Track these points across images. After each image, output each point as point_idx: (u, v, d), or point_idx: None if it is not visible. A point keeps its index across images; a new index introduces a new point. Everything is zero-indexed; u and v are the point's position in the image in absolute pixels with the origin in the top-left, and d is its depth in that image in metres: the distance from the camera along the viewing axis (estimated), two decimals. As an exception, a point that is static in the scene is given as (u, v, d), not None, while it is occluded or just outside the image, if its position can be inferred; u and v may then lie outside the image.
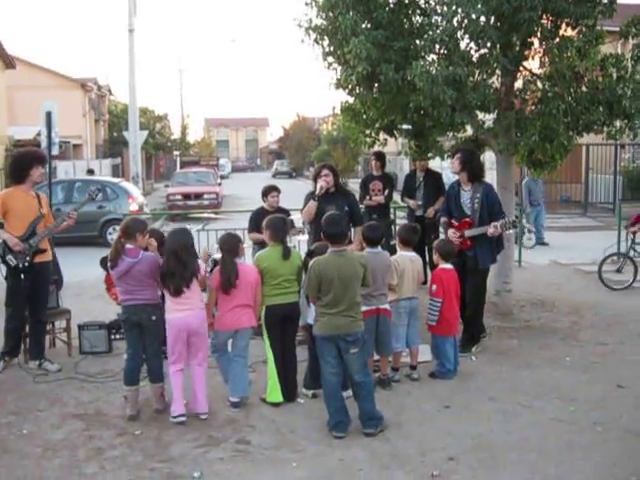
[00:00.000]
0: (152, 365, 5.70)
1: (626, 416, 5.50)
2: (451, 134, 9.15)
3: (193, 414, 5.55)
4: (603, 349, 7.26)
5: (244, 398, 5.81)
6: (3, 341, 6.63)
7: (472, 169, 7.05)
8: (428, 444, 5.05)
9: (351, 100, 8.87)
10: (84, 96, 32.03)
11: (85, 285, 10.70)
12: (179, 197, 21.76)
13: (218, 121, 74.02)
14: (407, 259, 6.34)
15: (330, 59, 8.21)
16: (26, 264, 6.53)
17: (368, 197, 9.77)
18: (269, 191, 8.54)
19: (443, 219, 7.24)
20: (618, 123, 7.87)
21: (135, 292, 5.50)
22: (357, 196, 9.04)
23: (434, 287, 6.34)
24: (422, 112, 8.47)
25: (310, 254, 5.82)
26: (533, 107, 7.84)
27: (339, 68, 8.22)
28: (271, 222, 5.96)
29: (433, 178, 9.90)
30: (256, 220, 8.39)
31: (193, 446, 5.10)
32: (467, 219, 7.01)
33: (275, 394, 5.80)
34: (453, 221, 7.15)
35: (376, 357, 6.23)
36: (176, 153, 41.92)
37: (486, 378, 6.41)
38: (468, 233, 6.97)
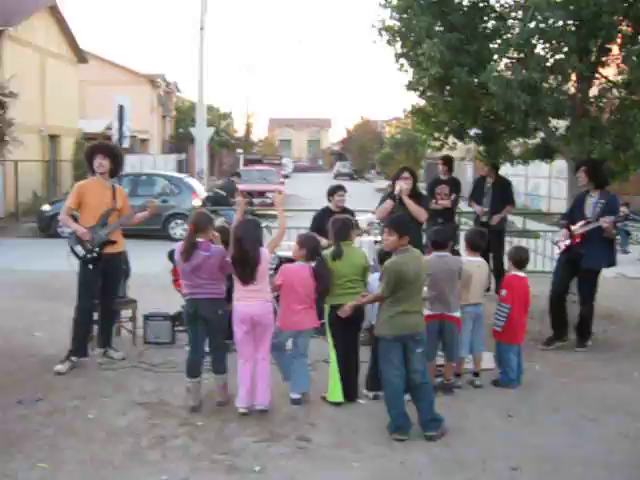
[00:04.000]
0: (216, 358, 5.77)
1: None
2: (522, 140, 9.01)
3: (254, 408, 5.59)
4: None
5: (305, 395, 5.83)
6: (70, 338, 6.73)
7: (598, 179, 7.30)
8: (490, 452, 4.98)
9: (421, 102, 8.85)
10: (152, 92, 32.68)
11: (149, 277, 10.88)
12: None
13: (282, 121, 74.65)
14: (474, 264, 6.26)
15: (402, 61, 8.19)
16: (94, 254, 6.67)
17: (434, 201, 9.68)
18: (336, 190, 8.49)
19: (562, 222, 7.60)
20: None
21: (204, 286, 5.58)
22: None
23: (503, 292, 6.25)
24: (493, 117, 8.40)
25: (386, 253, 5.80)
26: (609, 115, 7.64)
27: (411, 70, 8.20)
28: (332, 222, 5.99)
29: (502, 185, 9.75)
30: (319, 220, 8.41)
31: (254, 440, 5.14)
32: (586, 220, 7.22)
33: (336, 394, 5.80)
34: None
35: (439, 362, 6.18)
36: (239, 151, 42.43)
37: (550, 389, 6.28)
38: (580, 229, 7.18)
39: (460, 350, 6.17)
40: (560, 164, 16.12)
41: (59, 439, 5.11)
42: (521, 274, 6.34)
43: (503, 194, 9.67)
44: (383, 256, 5.90)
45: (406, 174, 7.29)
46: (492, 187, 9.72)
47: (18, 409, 5.65)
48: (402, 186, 7.19)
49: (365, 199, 17.01)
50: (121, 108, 10.46)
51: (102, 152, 6.76)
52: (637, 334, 8.17)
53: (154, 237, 15.02)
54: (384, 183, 44.35)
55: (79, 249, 6.65)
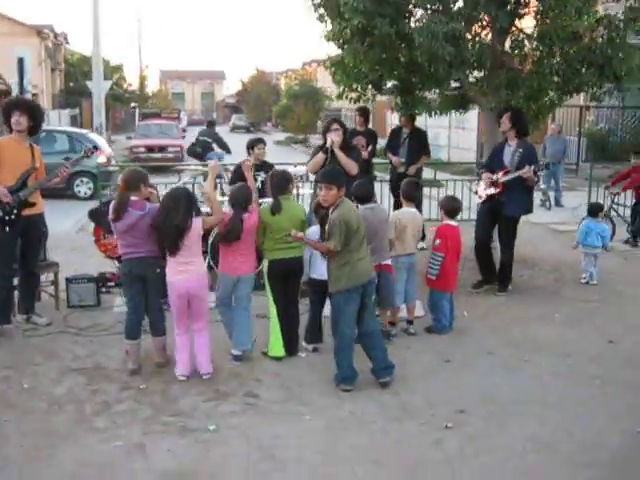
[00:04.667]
0: (154, 318, 5.62)
1: (620, 370, 5.68)
2: (437, 91, 9.13)
3: (197, 375, 5.49)
4: (588, 306, 7.44)
5: (247, 351, 5.80)
6: None
7: (520, 126, 7.44)
8: (435, 397, 5.14)
9: (333, 54, 8.79)
10: (40, 44, 30.81)
11: (59, 238, 10.38)
12: (142, 149, 21.26)
13: (174, 73, 72.30)
14: (409, 215, 6.35)
15: (322, 11, 8.07)
16: (13, 217, 6.30)
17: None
18: (255, 143, 8.41)
19: (481, 172, 7.72)
20: (607, 85, 7.97)
21: (140, 245, 5.38)
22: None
23: (437, 242, 6.38)
24: (410, 68, 8.44)
25: (319, 207, 5.76)
26: (525, 66, 7.86)
27: (330, 21, 8.10)
28: (270, 175, 5.93)
29: (418, 135, 9.87)
30: (239, 174, 8.28)
31: (202, 400, 5.08)
32: (504, 169, 7.40)
33: (277, 348, 5.80)
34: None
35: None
36: (133, 105, 40.89)
37: (481, 333, 6.53)
38: (502, 178, 7.36)
39: (395, 299, 6.29)
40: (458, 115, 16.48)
41: (-5, 413, 4.87)
42: (453, 223, 6.49)
43: (419, 144, 9.79)
44: (317, 208, 5.87)
45: (336, 125, 7.23)
46: (408, 137, 9.82)
47: (-58, 384, 5.33)
48: (333, 138, 7.14)
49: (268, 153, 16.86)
50: (21, 61, 9.78)
51: (20, 108, 6.33)
52: (550, 278, 8.59)
53: (58, 196, 14.27)
54: (282, 135, 44.15)
55: None
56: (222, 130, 53.73)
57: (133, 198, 5.36)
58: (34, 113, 6.44)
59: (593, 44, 7.54)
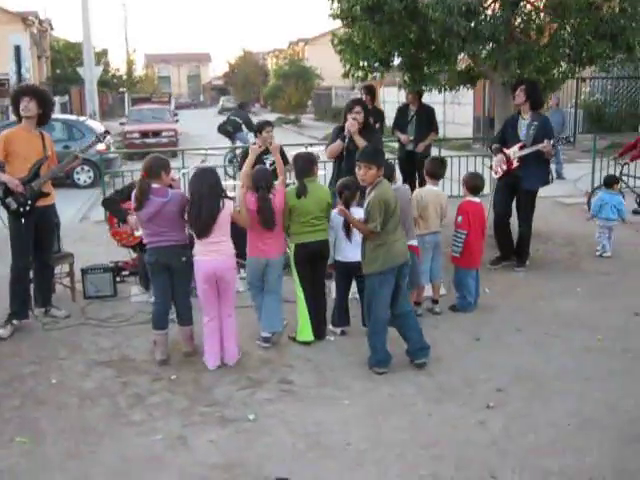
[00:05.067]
0: (181, 307, 5.53)
1: (652, 342, 5.66)
2: (445, 67, 9.02)
3: (223, 364, 5.40)
4: (608, 279, 7.41)
5: (277, 334, 5.73)
6: (9, 299, 6.24)
7: (535, 99, 7.36)
8: (471, 376, 5.09)
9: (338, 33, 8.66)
10: (25, 31, 30.30)
11: (63, 228, 10.27)
12: (136, 135, 21.01)
13: (158, 57, 71.46)
14: (432, 193, 6.27)
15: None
16: (27, 208, 6.17)
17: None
18: (263, 126, 8.30)
19: (495, 146, 7.49)
20: (619, 55, 7.88)
21: (164, 233, 5.28)
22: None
23: (459, 218, 6.31)
24: (419, 44, 8.33)
25: (344, 188, 5.66)
26: (537, 39, 7.75)
27: None
28: (294, 158, 5.82)
29: (426, 113, 9.75)
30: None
31: (236, 388, 5.01)
32: (520, 143, 7.30)
33: (306, 333, 5.73)
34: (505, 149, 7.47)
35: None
36: (121, 90, 40.41)
37: (506, 310, 6.48)
38: (519, 153, 7.26)
39: (420, 279, 6.23)
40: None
41: (28, 409, 4.77)
42: (476, 200, 6.41)
43: (427, 121, 9.68)
44: (341, 191, 5.78)
45: (357, 108, 6.95)
46: (416, 114, 9.70)
47: (-32, 382, 5.23)
48: (349, 127, 6.91)
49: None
50: (18, 49, 9.57)
51: (28, 94, 6.16)
52: (566, 251, 8.55)
53: (58, 185, 14.04)
54: (271, 116, 43.83)
55: (11, 202, 6.11)
56: (211, 112, 53.66)
57: (154, 185, 5.24)
58: (43, 99, 6.26)
59: (607, 15, 7.42)
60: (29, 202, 6.16)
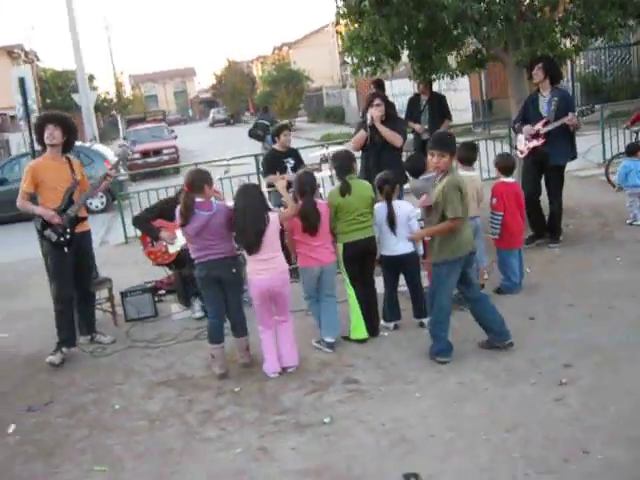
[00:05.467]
0: (235, 319, 5.50)
1: None
2: (454, 53, 9.01)
3: (285, 371, 5.38)
4: (644, 247, 7.39)
5: (338, 337, 5.70)
6: (56, 328, 6.21)
7: (553, 74, 7.39)
8: (536, 356, 5.06)
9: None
10: (11, 64, 30.28)
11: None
12: (138, 155, 21.01)
13: (143, 77, 71.39)
14: (468, 178, 6.20)
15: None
16: (67, 237, 6.15)
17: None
18: (281, 130, 8.42)
19: (517, 125, 7.46)
20: (631, 23, 7.87)
21: (213, 246, 5.25)
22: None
23: (494, 200, 6.29)
24: (427, 33, 8.30)
25: (384, 183, 5.65)
26: (547, 15, 7.74)
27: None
28: (333, 157, 5.82)
29: (437, 101, 9.74)
30: (270, 162, 8.18)
31: (303, 393, 4.98)
32: (544, 120, 7.29)
33: (360, 330, 5.71)
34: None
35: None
36: (113, 113, 40.38)
37: (552, 287, 6.45)
38: (544, 129, 7.26)
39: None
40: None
41: (98, 438, 4.74)
42: (509, 180, 6.39)
43: (440, 109, 9.67)
44: (382, 185, 5.76)
45: (377, 100, 7.10)
46: (428, 103, 9.69)
47: (32, 417, 5.19)
48: (374, 114, 7.01)
49: (251, 142, 16.97)
50: (22, 81, 9.47)
51: (53, 122, 6.13)
52: (595, 223, 8.53)
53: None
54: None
55: (51, 234, 6.08)
56: (202, 126, 53.64)
57: (198, 199, 5.22)
58: (68, 127, 6.24)
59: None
60: (68, 230, 6.14)
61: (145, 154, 21.05)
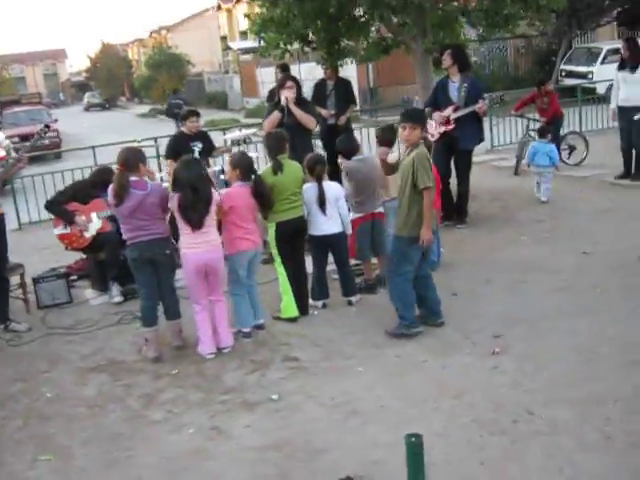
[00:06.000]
0: (168, 301, 5.42)
1: (611, 277, 6.10)
2: (363, 39, 9.20)
3: (220, 351, 5.35)
4: (544, 225, 7.91)
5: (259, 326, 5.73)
6: None
7: (462, 61, 7.66)
8: (464, 328, 5.33)
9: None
10: None
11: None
12: (17, 139, 19.82)
13: (9, 57, 67.14)
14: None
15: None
16: (-24, 217, 5.82)
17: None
18: (188, 115, 8.29)
19: (428, 109, 7.58)
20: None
21: (146, 227, 5.14)
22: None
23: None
24: (337, 18, 8.46)
25: (316, 164, 5.75)
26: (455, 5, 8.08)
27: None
28: (265, 137, 5.84)
29: (344, 86, 9.87)
30: (176, 145, 8.05)
31: (243, 373, 5.00)
32: (454, 105, 7.55)
33: (291, 309, 5.78)
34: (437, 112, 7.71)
35: (353, 262, 6.33)
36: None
37: (466, 265, 6.78)
38: (455, 115, 7.52)
39: (387, 245, 6.39)
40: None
41: (36, 427, 4.54)
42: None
43: (346, 94, 9.81)
44: (313, 166, 5.84)
45: (290, 83, 7.16)
46: (335, 88, 9.81)
47: (-47, 409, 4.89)
48: (288, 95, 7.06)
49: (132, 127, 16.62)
50: None
51: None
52: (495, 206, 9.01)
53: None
54: (143, 108, 42.58)
55: None
56: (76, 110, 51.37)
57: (133, 178, 5.09)
58: None
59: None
60: (-23, 212, 5.80)
61: (24, 138, 19.86)
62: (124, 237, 5.30)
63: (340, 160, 6.26)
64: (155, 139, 11.27)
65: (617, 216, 7.97)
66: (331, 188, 5.87)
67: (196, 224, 5.04)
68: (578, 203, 8.71)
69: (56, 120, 22.73)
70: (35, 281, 6.78)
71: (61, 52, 73.14)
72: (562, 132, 11.19)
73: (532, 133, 11.16)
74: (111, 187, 5.13)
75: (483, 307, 5.72)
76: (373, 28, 9.09)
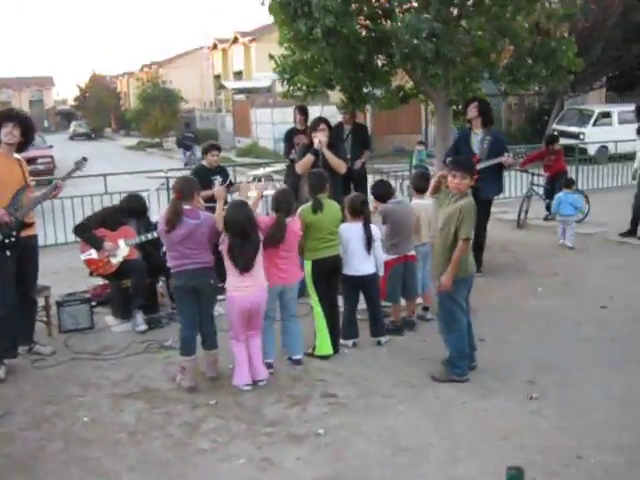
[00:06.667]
0: (207, 331, 5.44)
1: (628, 330, 6.30)
2: (384, 87, 9.45)
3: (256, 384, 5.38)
4: (558, 278, 8.10)
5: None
6: None
7: (486, 115, 7.86)
8: (497, 373, 5.42)
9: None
10: None
11: None
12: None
13: (-2, 81, 67.34)
14: (422, 206, 6.59)
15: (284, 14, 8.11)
16: (12, 239, 5.81)
17: (293, 151, 9.75)
18: (209, 149, 8.48)
19: (449, 159, 7.72)
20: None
21: (193, 256, 5.20)
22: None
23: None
24: (362, 66, 8.71)
25: (363, 204, 5.88)
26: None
27: (291, 23, 8.13)
28: (308, 175, 5.96)
29: (360, 131, 10.11)
30: (199, 178, 8.16)
31: (283, 407, 5.02)
32: (475, 157, 7.71)
33: (326, 347, 5.84)
34: None
35: (384, 303, 6.43)
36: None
37: (488, 312, 6.87)
38: (479, 166, 7.62)
39: (418, 287, 6.53)
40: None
41: (78, 450, 4.51)
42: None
43: (362, 139, 10.04)
44: (361, 206, 5.95)
45: (322, 125, 7.31)
46: (351, 133, 10.03)
47: (-11, 429, 4.84)
48: (321, 139, 7.20)
49: (121, 158, 16.72)
50: None
51: (12, 120, 5.83)
52: (506, 256, 9.20)
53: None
54: (130, 140, 42.69)
55: None
56: (60, 138, 51.27)
57: (186, 207, 5.17)
58: (28, 127, 5.97)
59: (539, 39, 8.18)
60: (13, 233, 5.80)
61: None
62: (169, 264, 5.35)
63: (375, 204, 6.40)
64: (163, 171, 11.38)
65: (627, 273, 8.20)
66: (372, 229, 5.99)
67: (244, 268, 5.11)
68: (587, 259, 8.95)
69: (51, 146, 22.70)
70: (59, 304, 6.76)
71: (48, 79, 73.20)
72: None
73: (535, 188, 11.49)
74: (163, 213, 5.20)
75: (512, 354, 5.84)
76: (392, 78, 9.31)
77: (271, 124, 26.67)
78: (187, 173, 8.92)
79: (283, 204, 5.55)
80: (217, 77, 42.16)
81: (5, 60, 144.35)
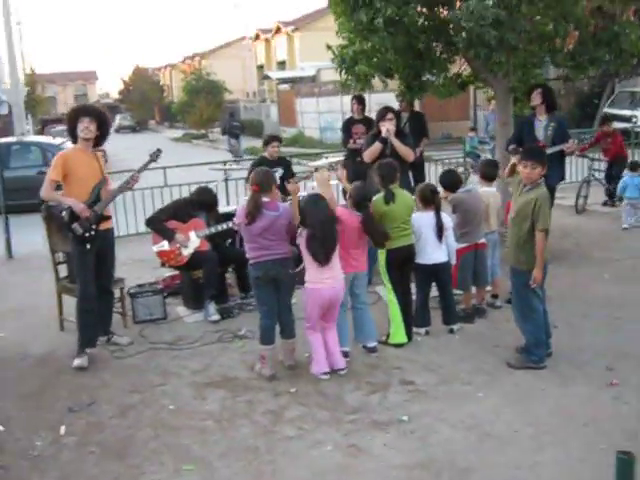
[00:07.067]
0: (286, 320, 5.55)
1: None
2: (441, 75, 9.41)
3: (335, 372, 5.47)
4: (622, 264, 8.02)
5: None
6: (79, 328, 6.00)
7: (550, 101, 7.82)
8: (574, 360, 5.43)
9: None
10: None
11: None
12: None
13: (43, 77, 68.50)
14: (490, 194, 6.59)
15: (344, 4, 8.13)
16: (92, 232, 5.99)
17: (352, 141, 9.80)
18: (270, 141, 8.57)
19: (512, 146, 7.68)
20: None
21: (272, 247, 5.30)
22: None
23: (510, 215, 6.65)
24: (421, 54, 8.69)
25: (433, 193, 5.91)
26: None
27: (352, 12, 8.14)
28: (378, 166, 6.00)
29: (418, 119, 10.12)
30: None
31: (363, 394, 5.10)
32: (540, 143, 7.63)
33: (400, 335, 5.90)
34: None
35: (455, 291, 6.46)
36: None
37: (557, 299, 6.77)
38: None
39: (488, 275, 6.54)
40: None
41: (168, 438, 4.64)
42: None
43: (420, 127, 10.04)
44: (432, 195, 5.99)
45: (390, 115, 7.34)
46: (409, 121, 10.04)
47: (78, 418, 5.01)
48: (389, 127, 7.25)
49: (168, 150, 16.94)
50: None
51: (89, 115, 5.99)
52: (568, 243, 9.13)
53: (33, 211, 13.41)
54: (176, 132, 43.10)
55: (77, 227, 5.89)
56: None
57: (265, 199, 5.27)
58: (103, 121, 6.13)
59: (602, 22, 8.06)
60: (93, 227, 5.98)
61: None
62: (247, 256, 5.46)
63: (445, 194, 6.41)
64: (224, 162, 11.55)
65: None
66: (443, 218, 6.02)
67: (324, 260, 5.20)
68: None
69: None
70: (132, 296, 6.94)
71: (92, 74, 74.46)
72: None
73: (596, 173, 11.35)
74: (242, 207, 5.31)
75: (586, 340, 5.83)
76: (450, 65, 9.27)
77: (317, 113, 26.76)
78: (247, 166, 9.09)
79: (363, 200, 5.62)
80: (260, 67, 42.37)
81: (49, 56, 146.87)
